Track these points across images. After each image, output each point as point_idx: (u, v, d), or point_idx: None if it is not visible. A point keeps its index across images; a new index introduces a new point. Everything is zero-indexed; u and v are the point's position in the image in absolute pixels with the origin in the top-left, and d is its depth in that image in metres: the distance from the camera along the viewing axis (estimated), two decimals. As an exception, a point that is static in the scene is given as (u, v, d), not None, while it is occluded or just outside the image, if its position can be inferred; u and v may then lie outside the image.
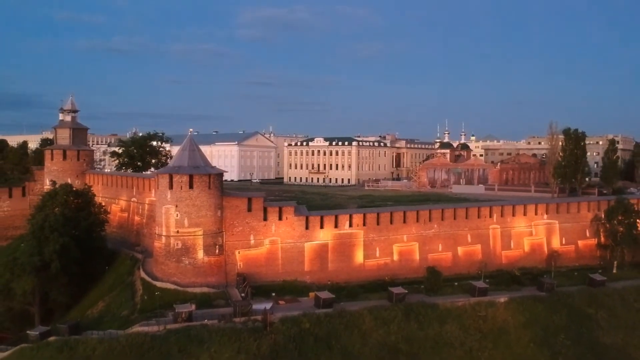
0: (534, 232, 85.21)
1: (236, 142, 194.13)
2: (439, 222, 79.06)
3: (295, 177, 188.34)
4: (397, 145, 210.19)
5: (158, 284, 63.17)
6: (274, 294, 65.17)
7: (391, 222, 76.05)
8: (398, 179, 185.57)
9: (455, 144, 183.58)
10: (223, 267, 66.33)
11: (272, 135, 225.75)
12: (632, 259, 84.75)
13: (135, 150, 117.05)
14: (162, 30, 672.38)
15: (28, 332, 56.02)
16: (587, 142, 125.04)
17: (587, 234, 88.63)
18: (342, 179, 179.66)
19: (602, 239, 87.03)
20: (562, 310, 68.16)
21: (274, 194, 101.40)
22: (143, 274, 65.93)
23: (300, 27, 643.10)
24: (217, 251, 65.60)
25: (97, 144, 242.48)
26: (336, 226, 72.83)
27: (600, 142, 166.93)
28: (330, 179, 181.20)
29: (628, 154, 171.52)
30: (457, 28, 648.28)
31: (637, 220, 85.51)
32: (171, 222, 63.87)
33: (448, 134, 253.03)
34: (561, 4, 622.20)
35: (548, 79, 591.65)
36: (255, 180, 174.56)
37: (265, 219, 69.11)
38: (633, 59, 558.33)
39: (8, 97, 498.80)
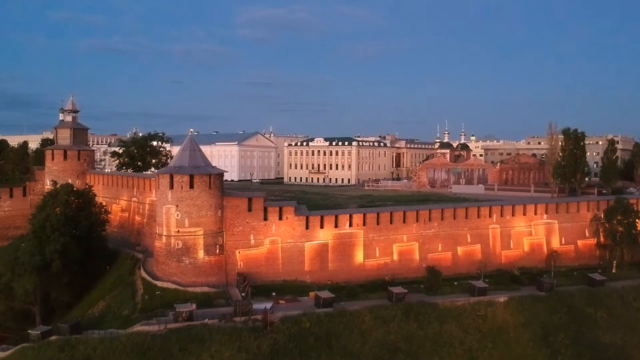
0: (533, 232, 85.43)
1: (236, 142, 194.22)
2: (439, 222, 79.30)
3: (295, 177, 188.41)
4: (397, 145, 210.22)
5: (159, 283, 63.43)
6: (274, 294, 65.44)
7: (391, 222, 76.30)
8: (398, 179, 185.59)
9: (455, 144, 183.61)
10: (223, 266, 66.54)
11: (272, 135, 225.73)
12: (632, 258, 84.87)
13: (135, 151, 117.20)
14: (162, 30, 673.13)
15: (29, 331, 56.14)
16: (586, 142, 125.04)
17: (587, 234, 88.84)
18: (342, 179, 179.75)
19: (602, 238, 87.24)
20: (562, 310, 68.39)
21: (274, 194, 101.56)
22: (144, 274, 66.13)
23: (300, 27, 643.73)
24: (217, 251, 65.82)
25: (98, 144, 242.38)
26: (336, 226, 73.06)
27: (600, 142, 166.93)
28: (330, 179, 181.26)
29: (627, 154, 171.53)
30: (457, 28, 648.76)
31: (637, 220, 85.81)
32: (172, 221, 64.10)
33: (448, 134, 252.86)
34: (561, 4, 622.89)
35: (548, 79, 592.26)
36: (255, 180, 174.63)
37: (265, 218, 69.35)
38: (633, 59, 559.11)
39: (8, 97, 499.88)
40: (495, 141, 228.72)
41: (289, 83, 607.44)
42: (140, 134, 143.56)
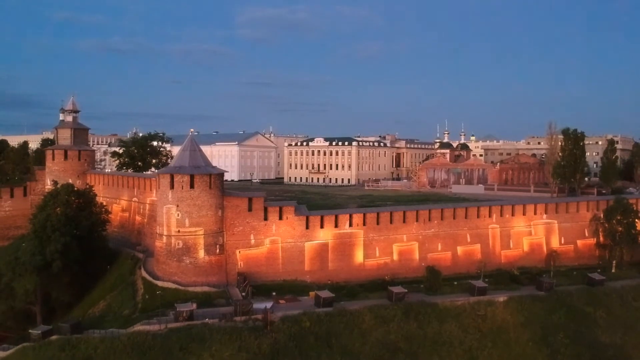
0: (533, 232, 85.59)
1: (236, 142, 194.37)
2: (439, 222, 79.46)
3: (295, 177, 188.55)
4: (397, 145, 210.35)
5: (159, 283, 63.56)
6: (274, 293, 65.58)
7: (391, 222, 76.45)
8: (398, 179, 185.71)
9: (455, 144, 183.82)
10: (224, 266, 66.69)
11: (272, 135, 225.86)
12: (631, 258, 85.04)
13: (136, 151, 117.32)
14: (162, 30, 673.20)
15: (30, 331, 56.25)
16: (586, 142, 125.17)
17: (586, 234, 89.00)
18: (342, 179, 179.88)
19: (601, 238, 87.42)
20: (561, 310, 68.51)
21: (275, 194, 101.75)
22: (144, 274, 66.27)
23: (300, 27, 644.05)
24: (217, 251, 65.97)
25: (98, 144, 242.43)
26: (336, 226, 73.21)
27: (600, 142, 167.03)
28: (330, 179, 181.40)
29: (627, 154, 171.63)
30: (457, 28, 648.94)
31: (636, 220, 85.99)
32: (172, 221, 64.24)
33: (448, 134, 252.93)
34: (561, 4, 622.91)
35: (547, 79, 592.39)
36: (255, 180, 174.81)
37: (265, 218, 69.51)
38: (633, 59, 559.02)
39: (8, 97, 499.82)
40: (495, 141, 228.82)
41: (289, 83, 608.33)
42: (141, 134, 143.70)
